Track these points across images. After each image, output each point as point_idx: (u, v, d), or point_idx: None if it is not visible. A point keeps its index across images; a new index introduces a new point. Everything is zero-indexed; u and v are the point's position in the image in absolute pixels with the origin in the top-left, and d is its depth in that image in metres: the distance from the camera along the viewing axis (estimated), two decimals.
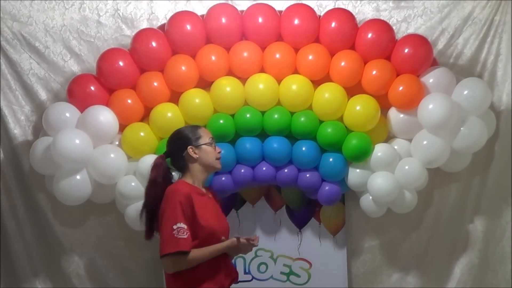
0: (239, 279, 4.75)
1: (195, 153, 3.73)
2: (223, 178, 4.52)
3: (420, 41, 4.52)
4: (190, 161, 3.74)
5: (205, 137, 3.77)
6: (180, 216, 3.57)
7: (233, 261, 4.72)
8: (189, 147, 3.73)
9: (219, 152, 3.81)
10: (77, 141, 4.27)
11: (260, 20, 4.50)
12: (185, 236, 3.55)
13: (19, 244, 4.73)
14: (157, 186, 3.71)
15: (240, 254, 3.95)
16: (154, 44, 4.45)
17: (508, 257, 4.91)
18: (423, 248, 4.99)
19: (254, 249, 4.72)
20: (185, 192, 3.62)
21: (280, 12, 4.55)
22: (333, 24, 4.49)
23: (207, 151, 3.75)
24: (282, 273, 4.90)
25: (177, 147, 3.76)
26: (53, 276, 4.81)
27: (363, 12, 4.78)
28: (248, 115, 4.48)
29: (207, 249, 3.63)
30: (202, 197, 3.72)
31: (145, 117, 4.51)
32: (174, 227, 3.55)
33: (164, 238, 3.59)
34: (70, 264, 4.80)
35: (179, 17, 4.51)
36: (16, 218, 4.72)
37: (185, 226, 3.55)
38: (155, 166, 3.75)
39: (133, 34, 4.56)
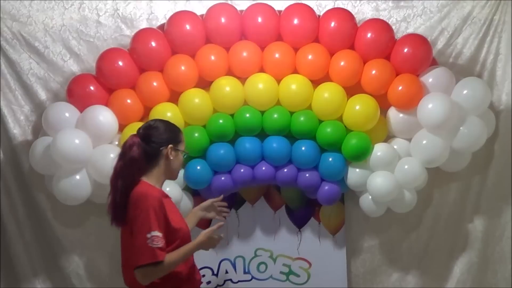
0: (239, 279, 4.82)
1: (171, 154, 3.63)
2: (223, 178, 4.53)
3: (419, 41, 4.52)
4: (162, 158, 3.62)
5: (183, 145, 3.72)
6: (154, 223, 3.41)
7: (232, 261, 4.77)
8: (170, 145, 3.63)
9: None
10: (77, 141, 4.26)
11: (259, 20, 4.50)
12: (161, 245, 3.40)
13: (19, 244, 4.73)
14: (139, 165, 3.56)
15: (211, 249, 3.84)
16: (153, 44, 4.45)
17: (508, 257, 4.91)
18: (423, 248, 4.99)
19: (253, 248, 4.85)
20: (156, 196, 3.49)
21: (280, 12, 4.55)
22: (332, 24, 4.49)
23: (179, 159, 3.69)
24: (281, 272, 4.89)
25: (161, 138, 3.61)
26: (52, 276, 4.80)
27: (363, 11, 4.78)
28: (247, 115, 4.48)
29: (181, 250, 3.52)
30: (167, 199, 3.64)
31: (144, 117, 4.50)
32: (148, 235, 3.39)
33: (138, 248, 3.41)
34: (70, 264, 4.79)
35: (178, 17, 4.50)
36: (16, 218, 4.72)
37: (159, 234, 3.40)
38: (135, 144, 3.56)
39: (133, 34, 4.56)
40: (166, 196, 3.65)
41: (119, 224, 3.57)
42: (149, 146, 3.58)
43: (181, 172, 4.49)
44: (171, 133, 3.68)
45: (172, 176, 3.71)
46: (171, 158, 3.62)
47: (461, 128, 4.42)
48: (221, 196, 4.14)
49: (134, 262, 3.42)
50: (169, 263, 3.44)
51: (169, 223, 3.50)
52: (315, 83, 4.54)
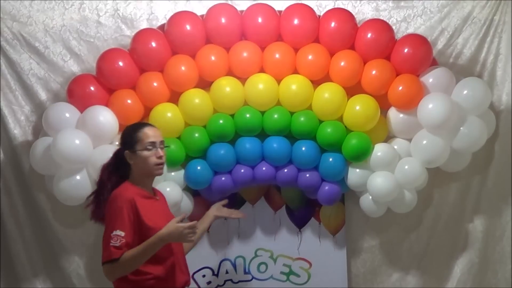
0: (239, 279, 4.81)
1: (130, 158, 3.68)
2: (223, 178, 4.53)
3: (419, 41, 4.52)
4: (130, 164, 3.71)
5: (143, 141, 3.67)
6: (119, 222, 3.51)
7: (232, 261, 4.76)
8: (125, 151, 3.69)
9: (159, 157, 3.69)
10: (77, 141, 4.26)
11: (259, 20, 4.50)
12: (117, 244, 3.47)
13: (19, 244, 4.73)
14: (111, 169, 3.76)
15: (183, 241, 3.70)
16: (153, 44, 4.45)
17: (508, 257, 4.91)
18: (423, 248, 4.98)
19: (254, 249, 4.83)
20: (127, 197, 3.57)
21: (280, 12, 4.55)
22: (332, 24, 4.49)
23: (142, 157, 3.67)
24: (282, 273, 4.89)
25: (121, 144, 3.76)
26: (53, 276, 4.80)
27: (363, 12, 4.78)
28: (247, 115, 4.48)
29: (141, 245, 3.50)
30: (147, 199, 3.68)
31: (145, 117, 4.51)
32: (112, 234, 3.50)
33: (103, 246, 3.54)
34: (70, 264, 4.79)
35: (178, 17, 4.51)
36: (16, 218, 4.72)
37: (121, 233, 3.48)
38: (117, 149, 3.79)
39: (133, 34, 4.56)
40: (148, 196, 3.71)
41: (97, 220, 3.76)
42: (119, 151, 3.76)
43: (181, 173, 4.51)
44: (125, 137, 3.76)
45: (150, 174, 3.73)
46: (132, 162, 3.69)
47: (461, 128, 4.42)
48: (225, 201, 4.20)
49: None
50: (127, 260, 3.48)
51: (142, 223, 3.56)
52: (315, 83, 4.54)
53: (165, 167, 4.25)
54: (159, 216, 3.69)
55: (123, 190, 3.64)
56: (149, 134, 3.70)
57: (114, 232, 3.50)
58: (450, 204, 4.92)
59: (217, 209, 4.21)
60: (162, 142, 3.74)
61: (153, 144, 3.68)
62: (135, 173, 3.72)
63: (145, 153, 3.67)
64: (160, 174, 3.75)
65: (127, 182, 3.70)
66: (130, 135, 3.72)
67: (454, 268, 4.97)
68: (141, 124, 3.86)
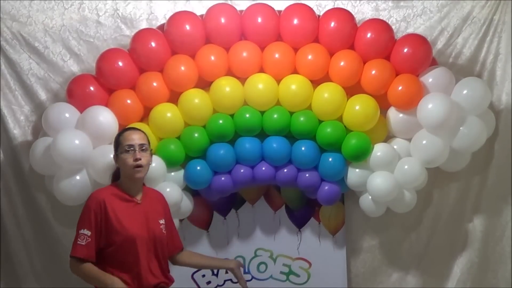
0: None
1: (116, 161, 3.85)
2: (223, 178, 4.52)
3: (419, 41, 4.52)
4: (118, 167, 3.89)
5: (122, 144, 3.80)
6: (86, 222, 3.69)
7: None
8: (112, 155, 3.88)
9: (135, 160, 3.76)
10: (77, 142, 4.26)
11: (259, 20, 4.50)
12: (83, 243, 3.66)
13: (19, 244, 4.73)
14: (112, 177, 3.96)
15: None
16: (153, 44, 4.45)
17: (508, 257, 4.91)
18: (423, 248, 4.99)
19: (253, 248, 4.82)
20: (97, 198, 3.73)
21: (280, 12, 4.55)
22: (332, 24, 4.49)
23: (122, 160, 3.80)
24: (281, 272, 4.89)
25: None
26: (53, 275, 4.80)
27: (362, 11, 4.78)
28: (247, 115, 4.48)
29: (97, 272, 3.68)
30: (123, 202, 3.78)
31: (144, 117, 4.51)
32: (80, 232, 3.69)
33: (73, 240, 3.72)
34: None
35: (178, 17, 4.50)
36: (16, 218, 4.72)
37: (87, 233, 3.67)
38: None
39: (133, 34, 4.56)
40: (128, 199, 3.80)
41: None
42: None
43: (181, 173, 4.51)
44: (114, 143, 3.90)
45: (130, 177, 3.81)
46: (117, 165, 3.86)
47: (461, 128, 4.42)
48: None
49: None
50: (84, 272, 3.70)
51: (109, 225, 3.69)
52: (315, 83, 4.54)
53: (163, 167, 4.28)
54: (133, 220, 3.76)
55: (99, 191, 3.84)
56: (128, 137, 3.82)
57: (82, 231, 3.68)
58: (450, 204, 4.93)
59: (237, 267, 4.15)
60: (141, 145, 3.81)
61: (131, 146, 3.78)
62: (122, 176, 3.86)
63: (124, 155, 3.79)
64: (139, 176, 3.80)
65: (111, 184, 3.90)
66: (115, 140, 3.89)
67: (454, 268, 4.97)
68: (126, 128, 4.01)
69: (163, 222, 3.91)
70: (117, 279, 3.66)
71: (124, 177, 3.85)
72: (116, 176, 3.94)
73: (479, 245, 4.93)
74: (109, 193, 3.78)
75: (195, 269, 4.78)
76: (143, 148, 3.81)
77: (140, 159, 3.76)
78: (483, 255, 4.93)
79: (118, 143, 3.83)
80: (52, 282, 4.81)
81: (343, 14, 4.55)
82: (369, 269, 5.02)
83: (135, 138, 3.82)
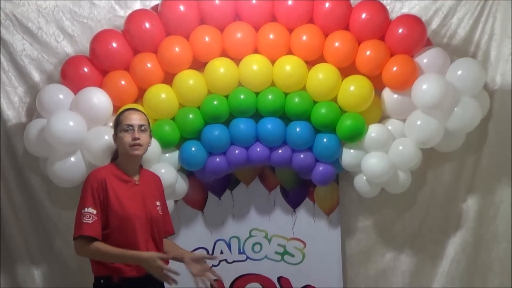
0: (234, 259, 4.84)
1: (115, 141, 3.88)
2: (217, 159, 4.53)
3: (414, 21, 4.51)
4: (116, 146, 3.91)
5: (122, 124, 3.83)
6: (89, 200, 3.69)
7: (227, 241, 4.77)
8: (112, 134, 3.90)
9: (134, 139, 3.79)
10: (71, 123, 4.25)
11: (253, 1, 4.48)
12: (90, 221, 3.66)
13: (14, 226, 4.72)
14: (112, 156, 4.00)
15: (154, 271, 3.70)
16: (147, 25, 4.43)
17: (502, 236, 4.92)
18: (417, 228, 5.00)
19: (248, 229, 4.83)
20: (98, 177, 3.75)
21: None
22: (327, 5, 4.47)
23: (120, 138, 3.83)
24: (276, 253, 4.91)
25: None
26: (48, 258, 4.80)
27: None
28: (242, 96, 4.48)
29: (114, 249, 3.66)
30: (122, 182, 3.80)
31: (139, 99, 4.50)
32: (83, 211, 3.68)
33: (75, 221, 3.72)
34: (65, 246, 4.76)
35: None
36: (11, 200, 4.71)
37: (93, 211, 3.67)
38: None
39: (127, 15, 4.53)
40: (126, 180, 3.82)
41: None
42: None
43: (176, 154, 4.51)
44: (113, 123, 3.94)
45: (127, 155, 3.83)
46: (116, 144, 3.89)
47: (455, 108, 4.42)
48: (216, 256, 4.10)
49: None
50: (97, 250, 3.67)
51: (108, 204, 3.71)
52: (310, 64, 4.53)
53: (159, 149, 4.28)
54: (132, 201, 3.78)
55: (99, 169, 3.86)
56: (128, 117, 3.86)
57: (86, 210, 3.67)
58: (444, 184, 4.93)
59: (188, 259, 3.87)
60: (141, 125, 3.84)
61: (130, 126, 3.81)
62: (120, 156, 3.88)
63: (122, 134, 3.82)
64: (137, 154, 3.82)
65: (110, 163, 3.92)
66: (115, 119, 3.91)
67: (448, 248, 4.99)
68: (127, 108, 4.01)
69: (159, 204, 3.93)
70: (153, 253, 3.68)
71: (122, 156, 3.87)
72: (115, 157, 3.97)
73: (473, 224, 4.95)
74: (109, 172, 3.80)
75: (191, 249, 4.74)
76: (142, 128, 3.84)
77: (138, 139, 3.79)
78: (477, 235, 4.95)
79: (118, 122, 3.86)
80: (48, 264, 4.81)
81: None
82: (363, 249, 5.03)
83: (135, 118, 3.85)
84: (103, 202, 3.71)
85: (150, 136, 3.94)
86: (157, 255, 3.62)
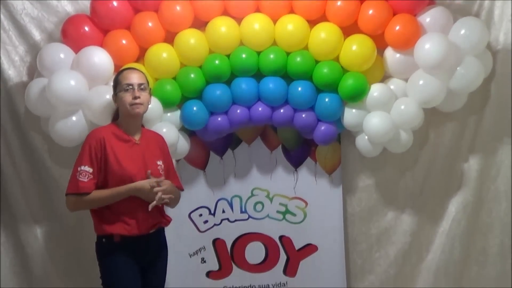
0: (236, 218, 4.85)
1: (115, 101, 3.89)
2: (219, 119, 4.53)
3: None
4: (117, 106, 3.94)
5: (122, 83, 3.85)
6: (86, 159, 3.75)
7: (229, 200, 4.79)
8: (112, 94, 3.92)
9: (134, 98, 3.81)
10: (72, 83, 4.23)
11: None
12: (85, 180, 3.73)
13: (16, 185, 4.73)
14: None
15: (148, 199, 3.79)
16: None
17: (502, 196, 4.94)
18: (418, 187, 5.01)
19: (250, 188, 4.84)
20: (97, 136, 3.79)
21: None
22: None
23: (121, 98, 3.85)
24: (278, 212, 4.93)
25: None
26: (50, 216, 4.82)
27: None
28: (243, 56, 4.46)
29: (106, 191, 3.75)
30: (122, 142, 3.83)
31: (140, 58, 4.48)
32: (79, 168, 3.75)
33: (70, 178, 3.80)
34: None
35: None
36: (12, 159, 4.71)
37: (89, 170, 3.74)
38: None
39: None
40: (126, 139, 3.85)
41: None
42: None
43: (178, 113, 4.51)
44: (113, 83, 3.96)
45: (128, 114, 3.86)
46: (116, 104, 3.92)
47: (458, 68, 4.39)
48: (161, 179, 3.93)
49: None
50: (94, 199, 3.77)
51: (107, 163, 3.75)
52: (312, 23, 4.50)
53: (160, 109, 4.28)
54: (131, 160, 3.81)
55: (99, 129, 3.91)
56: (127, 76, 3.88)
57: (82, 167, 3.74)
58: (446, 144, 4.93)
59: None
60: (140, 84, 3.85)
61: (129, 85, 3.83)
62: (120, 116, 3.91)
63: (123, 93, 3.84)
64: (138, 112, 3.85)
65: (111, 123, 3.96)
66: (114, 79, 3.94)
67: (449, 207, 5.00)
68: (125, 68, 4.05)
69: (161, 164, 3.94)
70: (144, 181, 3.76)
71: (123, 116, 3.89)
72: (115, 117, 3.98)
73: (474, 184, 4.95)
74: (109, 131, 3.83)
75: (192, 209, 4.83)
76: (142, 87, 3.86)
77: (139, 97, 3.82)
78: (478, 195, 4.96)
79: (117, 82, 3.88)
80: (49, 223, 4.83)
81: None
82: (364, 208, 5.05)
83: (134, 77, 3.87)
84: (101, 161, 3.75)
85: (150, 95, 3.95)
86: (149, 182, 3.73)
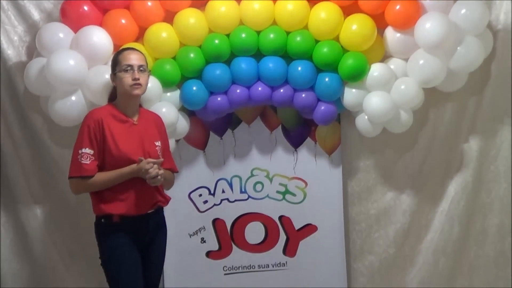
0: (236, 198, 4.85)
1: (113, 80, 3.89)
2: (219, 98, 4.52)
3: None
4: (114, 86, 3.92)
5: (121, 63, 3.84)
6: (86, 141, 3.75)
7: (228, 180, 4.79)
8: (110, 74, 3.91)
9: (134, 79, 3.80)
10: (72, 62, 4.22)
11: None
12: (88, 162, 3.73)
13: (16, 166, 4.73)
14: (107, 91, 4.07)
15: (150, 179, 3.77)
16: None
17: (502, 176, 4.95)
18: (418, 167, 5.02)
19: (250, 168, 4.84)
20: (95, 117, 3.78)
21: None
22: None
23: (120, 78, 3.84)
24: (278, 192, 4.94)
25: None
26: (50, 196, 4.82)
27: None
28: (243, 35, 4.45)
29: (110, 173, 3.77)
30: (119, 122, 3.84)
31: (139, 37, 4.47)
32: (80, 151, 3.75)
33: (71, 160, 3.80)
34: (67, 185, 4.74)
35: None
36: (12, 139, 4.70)
37: (90, 151, 3.74)
38: None
39: None
40: (123, 120, 3.85)
41: None
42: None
43: (177, 93, 4.50)
44: (111, 61, 3.94)
45: (127, 94, 3.86)
46: (114, 84, 3.91)
47: (458, 48, 4.38)
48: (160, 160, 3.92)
49: (68, 173, 3.83)
50: (97, 182, 3.77)
51: (105, 145, 3.76)
52: (312, 2, 4.49)
53: (159, 87, 4.27)
54: (129, 141, 3.82)
55: (96, 110, 3.89)
56: (127, 57, 3.86)
57: (83, 150, 3.74)
58: (446, 124, 4.93)
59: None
60: (140, 66, 3.85)
61: (130, 66, 3.82)
62: (118, 96, 3.90)
63: (122, 74, 3.83)
64: (137, 93, 3.85)
65: (108, 104, 3.96)
66: (113, 59, 3.91)
67: (449, 188, 5.02)
68: (125, 48, 4.02)
69: (159, 144, 3.94)
70: (142, 163, 3.73)
71: (121, 96, 3.89)
72: (112, 97, 3.97)
73: (474, 164, 4.96)
74: (106, 112, 3.83)
75: (192, 189, 4.83)
76: (141, 68, 3.85)
77: (138, 79, 3.81)
78: (478, 175, 4.97)
79: (116, 62, 3.87)
80: (49, 202, 4.84)
81: None
82: (364, 188, 5.06)
83: (134, 58, 3.86)
84: (100, 142, 3.75)
85: (149, 76, 3.95)
86: (147, 162, 3.71)
